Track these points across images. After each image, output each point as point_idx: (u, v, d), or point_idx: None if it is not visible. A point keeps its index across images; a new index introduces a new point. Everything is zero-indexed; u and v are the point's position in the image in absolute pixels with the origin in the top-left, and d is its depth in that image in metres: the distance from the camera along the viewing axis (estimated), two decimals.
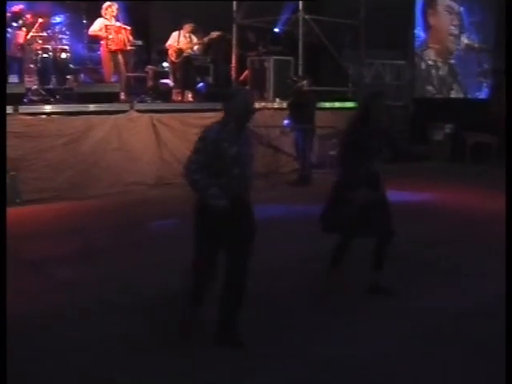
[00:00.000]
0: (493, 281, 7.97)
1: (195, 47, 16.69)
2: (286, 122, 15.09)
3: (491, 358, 5.79)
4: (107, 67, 15.28)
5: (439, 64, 21.36)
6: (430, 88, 21.48)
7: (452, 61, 21.38)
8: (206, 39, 16.89)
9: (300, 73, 17.19)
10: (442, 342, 6.23)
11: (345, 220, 7.18)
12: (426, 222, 11.45)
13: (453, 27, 21.27)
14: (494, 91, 21.44)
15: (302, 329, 6.46)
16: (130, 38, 15.42)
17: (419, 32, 21.45)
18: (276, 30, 19.25)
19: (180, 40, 16.31)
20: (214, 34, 16.94)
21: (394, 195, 12.94)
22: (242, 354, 5.78)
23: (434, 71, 21.46)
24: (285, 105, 15.89)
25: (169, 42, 16.42)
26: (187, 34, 16.43)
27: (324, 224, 7.42)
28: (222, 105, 5.85)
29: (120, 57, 15.19)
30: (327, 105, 17.77)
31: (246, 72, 17.84)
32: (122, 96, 14.95)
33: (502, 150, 19.06)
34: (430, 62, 21.42)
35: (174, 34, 16.39)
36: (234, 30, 18.85)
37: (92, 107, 13.79)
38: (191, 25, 16.43)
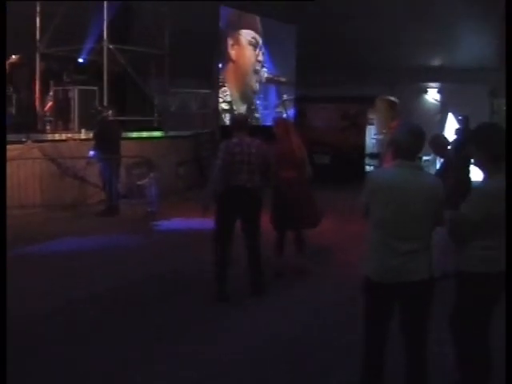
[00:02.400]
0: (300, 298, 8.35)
1: None
2: (91, 152, 14.97)
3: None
4: None
5: (235, 106, 21.43)
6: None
7: (251, 97, 21.78)
8: (6, 63, 16.51)
9: (105, 103, 17.14)
10: None
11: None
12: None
13: (257, 63, 21.66)
14: (297, 118, 22.30)
15: None
16: None
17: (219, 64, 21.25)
18: (80, 59, 19.09)
19: None
20: (14, 58, 16.60)
21: (200, 223, 13.26)
22: None
23: (231, 112, 21.47)
24: (90, 135, 15.79)
25: None
26: None
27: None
28: None
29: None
30: (134, 134, 17.81)
31: (50, 103, 17.59)
32: None
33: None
34: (225, 106, 21.21)
35: None
36: (38, 58, 18.53)
37: None
38: None
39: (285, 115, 22.03)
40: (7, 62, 16.50)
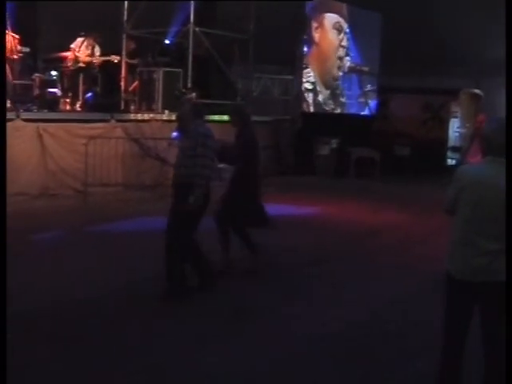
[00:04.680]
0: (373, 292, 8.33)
1: (94, 61, 16.59)
2: (174, 134, 15.07)
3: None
4: None
5: (318, 87, 21.68)
6: (316, 103, 21.85)
7: (334, 83, 21.74)
8: (104, 59, 16.77)
9: (189, 85, 17.26)
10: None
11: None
12: (310, 235, 11.71)
13: (341, 48, 21.61)
14: (379, 108, 22.13)
15: None
16: (18, 47, 15.22)
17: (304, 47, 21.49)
18: (166, 41, 19.24)
19: (81, 48, 16.25)
20: (114, 58, 16.91)
21: (278, 209, 13.33)
22: None
23: (315, 92, 21.69)
24: (173, 117, 15.89)
25: (72, 45, 16.32)
26: (90, 46, 16.37)
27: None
28: None
29: (6, 64, 14.93)
30: (216, 118, 17.86)
31: (135, 83, 17.77)
32: (8, 104, 14.69)
33: (384, 164, 19.69)
34: (308, 86, 21.47)
35: (78, 41, 16.34)
36: (124, 39, 18.73)
37: None
38: (96, 36, 16.38)
39: (367, 106, 21.93)
40: (106, 58, 16.74)
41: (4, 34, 12.49)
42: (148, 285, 8.30)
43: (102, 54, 16.76)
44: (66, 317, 7.13)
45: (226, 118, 18.66)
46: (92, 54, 16.46)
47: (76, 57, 16.28)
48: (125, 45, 18.69)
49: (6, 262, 5.02)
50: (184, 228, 7.84)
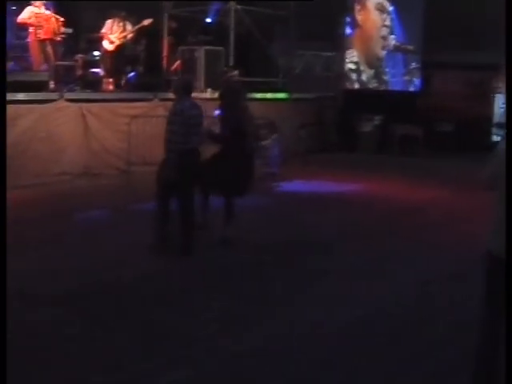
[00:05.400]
0: (418, 269, 8.29)
1: (128, 36, 16.63)
2: (216, 112, 15.10)
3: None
4: (36, 56, 15.11)
5: (362, 67, 21.64)
6: (360, 82, 21.76)
7: (378, 63, 21.63)
8: (137, 27, 16.82)
9: (231, 63, 17.24)
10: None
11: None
12: (353, 212, 11.69)
13: (384, 28, 21.49)
14: (423, 85, 21.87)
15: None
16: (62, 29, 15.32)
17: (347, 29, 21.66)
18: (207, 19, 19.22)
19: (113, 29, 16.28)
20: (147, 22, 16.88)
21: (322, 186, 13.28)
22: None
23: (358, 72, 21.72)
24: (216, 95, 15.90)
25: (103, 30, 16.37)
26: (121, 23, 16.40)
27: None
28: None
29: (49, 46, 15.06)
30: (258, 95, 17.85)
31: (178, 62, 17.79)
32: (51, 85, 14.81)
33: (427, 141, 19.50)
34: (351, 66, 21.64)
35: (108, 22, 16.35)
36: (165, 19, 18.75)
37: (20, 96, 13.60)
38: (124, 13, 16.40)
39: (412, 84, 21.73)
40: (139, 26, 16.79)
41: (4, 34, 12.54)
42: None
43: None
44: (107, 296, 7.19)
45: (268, 95, 18.75)
46: (124, 31, 16.48)
47: (111, 38, 16.31)
48: (166, 24, 18.71)
49: (5, 262, 5.04)
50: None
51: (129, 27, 16.54)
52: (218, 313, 6.73)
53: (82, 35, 17.95)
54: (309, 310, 6.94)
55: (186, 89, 8.95)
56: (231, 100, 9.48)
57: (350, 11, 21.36)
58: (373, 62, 21.62)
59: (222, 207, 9.33)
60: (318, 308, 7.00)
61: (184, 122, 8.50)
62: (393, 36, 21.55)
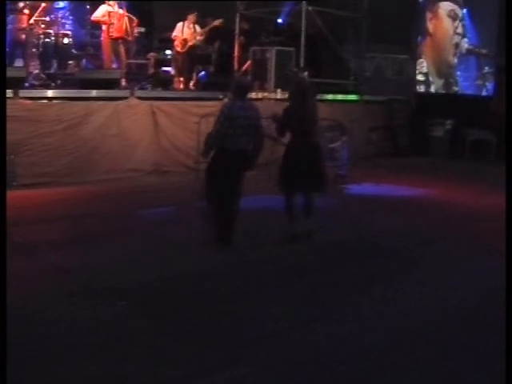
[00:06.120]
0: (481, 277, 8.08)
1: (199, 37, 16.72)
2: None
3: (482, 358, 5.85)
4: (108, 54, 15.32)
5: (431, 78, 21.46)
6: (431, 89, 21.56)
7: (449, 71, 21.36)
8: (208, 28, 16.91)
9: (301, 64, 17.18)
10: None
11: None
12: (422, 216, 11.51)
13: (456, 35, 21.20)
14: (497, 89, 21.48)
15: None
16: (136, 29, 15.50)
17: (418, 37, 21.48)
18: (279, 20, 19.21)
19: (184, 31, 16.38)
20: (217, 22, 16.95)
21: (391, 189, 13.13)
22: None
23: (427, 84, 21.57)
24: (286, 96, 15.85)
25: (174, 33, 16.48)
26: (191, 25, 16.50)
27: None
28: None
29: (121, 44, 15.24)
30: (329, 97, 17.76)
31: (248, 62, 17.81)
32: (123, 82, 14.96)
33: (501, 147, 19.11)
34: (420, 77, 21.49)
35: (179, 25, 16.45)
36: (237, 19, 18.81)
37: (92, 93, 13.78)
38: (194, 15, 16.50)
39: (484, 88, 21.36)
40: (209, 26, 16.89)
41: (4, 34, 12.70)
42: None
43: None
44: (168, 293, 7.18)
45: (339, 97, 18.63)
46: (195, 32, 16.56)
47: (182, 41, 16.38)
48: (238, 25, 18.77)
49: (6, 261, 5.02)
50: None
51: (198, 29, 16.62)
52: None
53: (155, 34, 18.14)
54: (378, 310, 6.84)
55: (240, 90, 8.88)
56: (299, 97, 9.42)
57: (421, 20, 21.11)
58: (443, 71, 21.36)
59: (303, 204, 9.31)
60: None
61: (233, 123, 8.48)
62: (465, 39, 21.24)
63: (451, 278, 8.11)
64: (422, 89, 21.47)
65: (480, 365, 5.63)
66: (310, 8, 17.78)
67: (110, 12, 15.05)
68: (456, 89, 21.33)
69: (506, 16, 6.06)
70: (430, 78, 21.29)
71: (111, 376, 5.18)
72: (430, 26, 21.08)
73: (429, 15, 21.05)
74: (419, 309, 6.94)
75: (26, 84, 13.51)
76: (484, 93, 21.22)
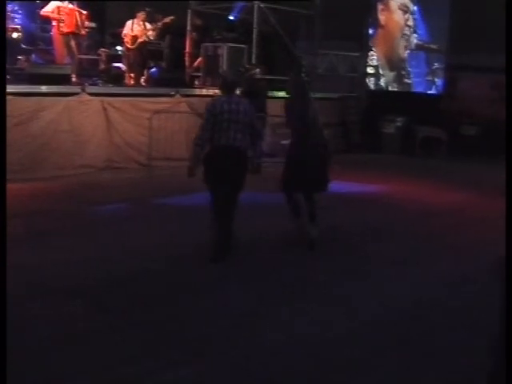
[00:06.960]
0: (435, 271, 8.16)
1: (149, 33, 16.64)
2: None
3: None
4: (59, 49, 15.16)
5: (381, 70, 21.65)
6: (381, 82, 21.73)
7: (400, 64, 21.55)
8: (159, 24, 16.84)
9: (253, 61, 17.15)
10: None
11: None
12: (376, 212, 11.58)
13: (406, 28, 21.41)
14: (447, 87, 21.70)
15: None
16: (86, 23, 15.39)
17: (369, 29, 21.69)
18: (231, 17, 19.17)
19: (134, 27, 16.32)
20: (168, 19, 16.89)
21: (344, 186, 13.20)
22: None
23: (377, 76, 21.82)
24: (238, 92, 15.81)
25: (124, 31, 16.40)
26: (141, 22, 16.43)
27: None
28: None
29: (72, 39, 15.08)
30: (280, 94, 17.73)
31: (200, 58, 17.74)
32: (74, 78, 14.82)
33: (450, 144, 19.35)
34: (370, 70, 21.76)
35: (128, 23, 16.42)
36: (189, 16, 18.70)
37: (43, 88, 13.61)
38: (144, 13, 16.45)
39: (434, 85, 21.58)
40: (161, 22, 16.85)
41: (4, 34, 12.57)
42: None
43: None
44: (122, 289, 7.14)
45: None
46: (145, 29, 16.50)
47: (131, 37, 16.30)
48: (190, 20, 18.67)
49: (6, 261, 4.98)
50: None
51: (148, 26, 16.55)
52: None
53: (107, 29, 18.00)
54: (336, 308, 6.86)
55: (226, 85, 8.47)
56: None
57: (372, 11, 21.33)
58: (394, 64, 21.57)
59: (305, 206, 9.08)
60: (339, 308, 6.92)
61: (219, 118, 8.06)
62: (415, 35, 21.46)
63: (402, 274, 8.19)
64: (371, 82, 21.64)
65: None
66: (262, 5, 17.76)
67: (59, 7, 14.89)
68: (408, 81, 21.53)
69: (506, 16, 6.16)
70: (381, 71, 21.53)
71: (62, 374, 5.15)
72: (382, 17, 21.38)
73: (380, 6, 21.32)
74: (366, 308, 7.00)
75: None
76: (434, 90, 21.45)
